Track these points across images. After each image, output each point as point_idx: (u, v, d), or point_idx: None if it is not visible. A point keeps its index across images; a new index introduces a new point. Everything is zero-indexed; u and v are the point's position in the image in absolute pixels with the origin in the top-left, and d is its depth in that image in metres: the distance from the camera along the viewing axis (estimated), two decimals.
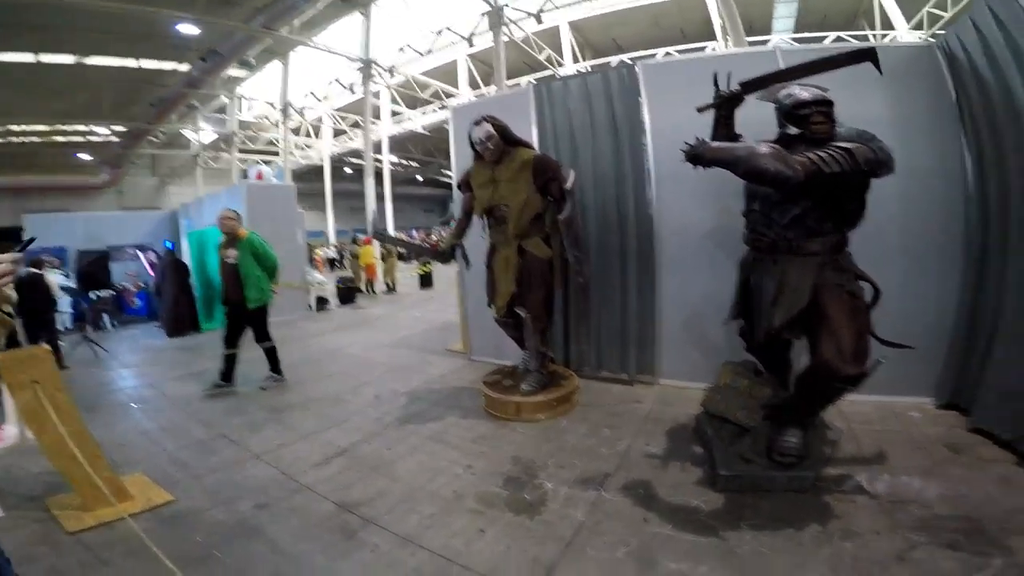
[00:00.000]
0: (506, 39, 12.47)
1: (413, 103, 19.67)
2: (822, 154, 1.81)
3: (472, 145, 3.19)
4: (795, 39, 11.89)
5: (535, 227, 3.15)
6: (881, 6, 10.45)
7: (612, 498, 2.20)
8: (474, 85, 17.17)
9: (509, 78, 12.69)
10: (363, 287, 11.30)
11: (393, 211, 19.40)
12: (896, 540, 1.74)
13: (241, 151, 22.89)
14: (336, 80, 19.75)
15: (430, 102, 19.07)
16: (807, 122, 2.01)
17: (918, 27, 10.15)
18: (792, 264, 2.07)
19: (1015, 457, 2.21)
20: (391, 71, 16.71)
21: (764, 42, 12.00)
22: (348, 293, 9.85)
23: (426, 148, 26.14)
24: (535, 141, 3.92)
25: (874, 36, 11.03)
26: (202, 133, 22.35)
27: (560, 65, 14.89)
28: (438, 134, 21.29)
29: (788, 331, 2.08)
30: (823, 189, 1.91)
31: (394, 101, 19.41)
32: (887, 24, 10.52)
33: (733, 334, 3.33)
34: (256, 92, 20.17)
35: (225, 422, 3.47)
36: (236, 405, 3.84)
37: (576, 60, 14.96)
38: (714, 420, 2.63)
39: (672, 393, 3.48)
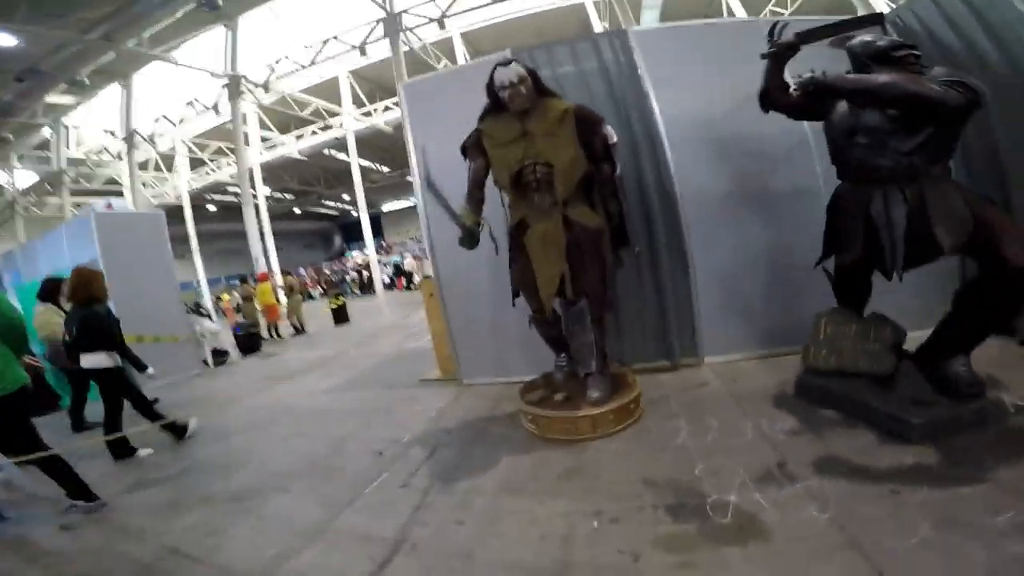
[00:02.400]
0: (405, 48, 11.75)
1: (285, 127, 17.36)
2: (945, 86, 1.78)
3: (494, 94, 2.58)
4: None
5: (580, 192, 2.62)
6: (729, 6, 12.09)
7: (819, 485, 1.71)
8: (359, 103, 15.94)
9: None
10: (267, 332, 9.55)
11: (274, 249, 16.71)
12: None
13: (74, 193, 17.72)
14: (195, 100, 16.20)
15: (310, 121, 16.95)
16: (903, 62, 1.97)
17: None
18: (928, 189, 1.93)
19: None
20: (265, 86, 14.50)
21: None
22: (250, 340, 8.12)
23: (303, 177, 22.96)
24: None
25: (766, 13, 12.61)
26: (17, 174, 16.86)
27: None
28: (316, 160, 19.09)
29: (955, 251, 1.90)
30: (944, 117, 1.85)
31: (262, 125, 16.89)
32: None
33: (769, 297, 3.28)
34: (90, 121, 16.01)
35: (166, 528, 2.28)
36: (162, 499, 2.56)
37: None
38: (831, 376, 2.36)
39: (726, 369, 3.17)
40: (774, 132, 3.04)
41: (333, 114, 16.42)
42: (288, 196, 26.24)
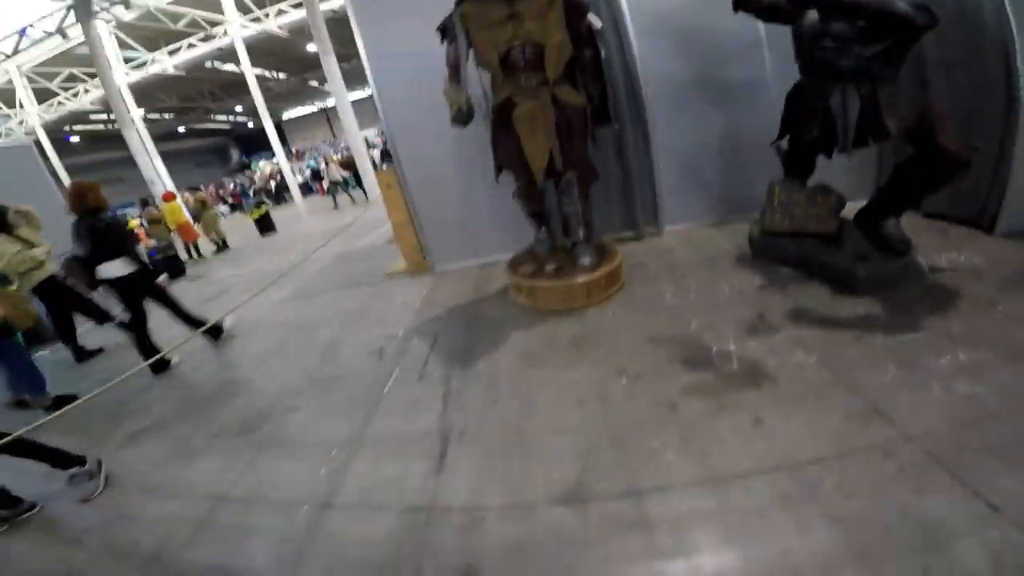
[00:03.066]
0: None
1: (153, 43, 14.16)
2: (922, 5, 1.95)
3: None
4: None
5: (564, 73, 2.62)
6: None
7: (798, 333, 2.10)
8: (244, 9, 13.14)
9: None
10: (187, 252, 8.70)
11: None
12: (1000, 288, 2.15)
13: None
14: (31, 26, 12.46)
15: (186, 34, 13.79)
16: None
17: None
18: (880, 88, 2.17)
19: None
20: (124, 2, 11.57)
21: None
22: (171, 264, 7.17)
23: (184, 93, 19.68)
24: None
25: None
26: None
27: None
28: (197, 74, 16.31)
29: (883, 137, 2.17)
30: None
31: (123, 45, 13.46)
32: None
33: (720, 171, 3.52)
34: None
35: (197, 479, 2.10)
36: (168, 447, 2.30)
37: None
38: (788, 237, 2.73)
39: (686, 236, 3.47)
40: (732, 28, 3.05)
41: (214, 23, 13.54)
42: (167, 116, 21.90)
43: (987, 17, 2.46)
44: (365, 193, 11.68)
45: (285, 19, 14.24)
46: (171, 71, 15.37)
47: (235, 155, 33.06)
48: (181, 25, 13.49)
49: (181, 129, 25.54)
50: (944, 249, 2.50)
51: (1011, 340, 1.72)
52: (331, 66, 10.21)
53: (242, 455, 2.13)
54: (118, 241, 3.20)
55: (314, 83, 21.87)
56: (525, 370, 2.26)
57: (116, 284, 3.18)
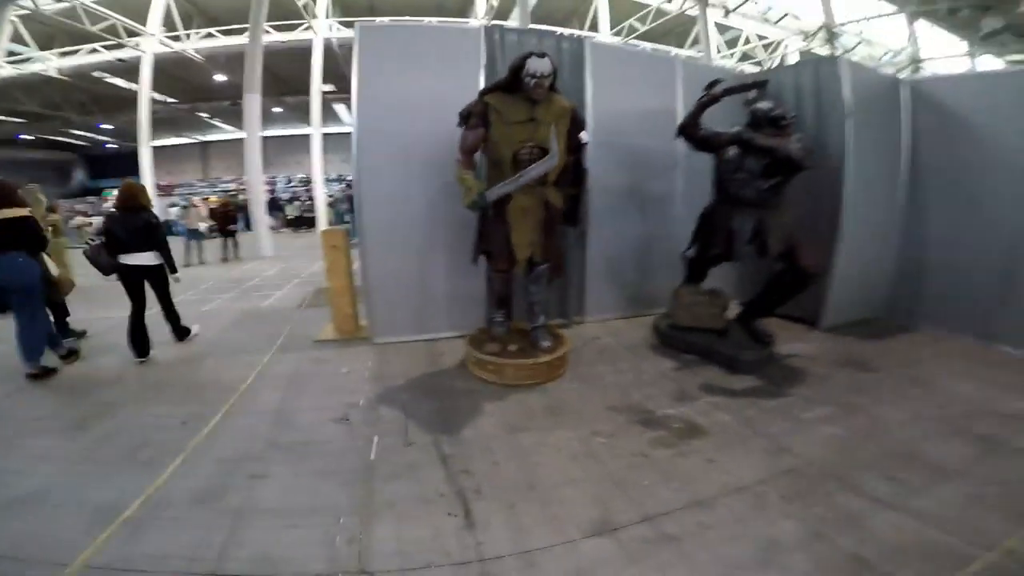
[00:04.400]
0: None
1: (47, 41, 12.41)
2: (802, 149, 2.98)
3: (517, 76, 2.81)
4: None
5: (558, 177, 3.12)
6: (595, 12, 13.51)
7: (713, 400, 2.86)
8: (171, 26, 12.33)
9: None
10: None
11: None
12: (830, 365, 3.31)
13: None
14: None
15: (95, 38, 12.16)
16: (782, 127, 3.11)
17: (618, 34, 13.83)
18: (769, 213, 3.22)
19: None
20: None
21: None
22: None
23: (50, 99, 16.50)
24: (480, 85, 3.59)
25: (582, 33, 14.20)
26: None
27: (314, 17, 12.62)
28: (81, 80, 14.34)
29: (765, 254, 3.22)
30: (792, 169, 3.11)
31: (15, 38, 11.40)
32: (593, 27, 13.65)
33: (633, 271, 4.49)
34: None
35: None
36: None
37: (327, 15, 13.17)
38: (689, 331, 3.66)
39: (605, 327, 4.27)
40: (658, 149, 4.22)
41: (133, 33, 12.35)
42: (16, 120, 17.90)
43: (833, 155, 3.73)
44: (236, 247, 10.33)
45: (208, 43, 13.48)
46: (52, 73, 13.32)
47: (78, 176, 27.56)
48: (98, 28, 11.84)
49: (27, 136, 20.91)
50: (790, 340, 3.66)
51: (845, 400, 2.74)
52: (253, 102, 9.61)
53: (217, 526, 1.93)
54: (156, 237, 3.82)
55: (204, 114, 20.05)
56: (513, 435, 2.56)
57: (137, 271, 3.79)
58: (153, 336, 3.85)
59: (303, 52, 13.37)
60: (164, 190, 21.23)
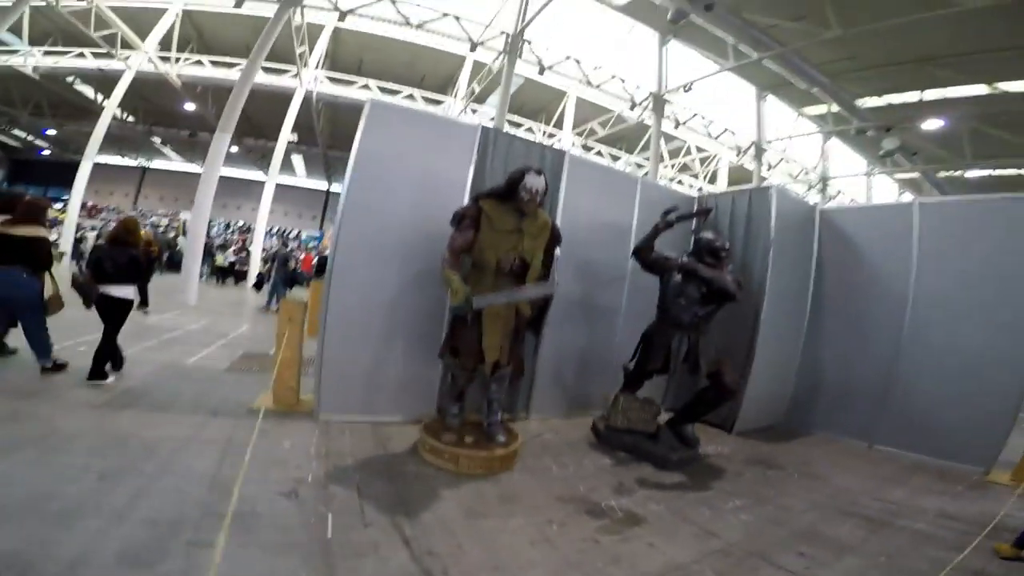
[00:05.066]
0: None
1: (42, 38, 12.80)
2: (734, 283, 3.77)
3: (514, 188, 3.22)
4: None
5: None
6: (563, 113, 15.14)
7: (647, 492, 3.21)
8: (166, 45, 12.86)
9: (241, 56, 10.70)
10: None
11: None
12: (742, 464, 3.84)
13: None
14: None
15: (95, 44, 12.34)
16: (720, 258, 3.92)
17: (580, 134, 15.61)
18: (702, 335, 3.91)
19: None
20: None
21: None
22: None
23: (7, 95, 16.27)
24: (469, 183, 4.14)
25: (544, 132, 16.18)
26: None
27: (305, 66, 13.22)
28: (49, 82, 14.11)
29: (696, 372, 3.86)
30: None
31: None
32: (558, 123, 15.31)
33: (576, 375, 4.93)
34: None
35: None
36: None
37: (318, 65, 13.98)
38: (624, 432, 4.07)
39: (546, 424, 4.57)
40: (609, 261, 4.85)
41: (127, 45, 12.64)
42: None
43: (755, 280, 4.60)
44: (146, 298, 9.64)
45: (192, 70, 13.46)
46: (28, 69, 12.85)
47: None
48: (100, 35, 11.68)
49: None
50: (709, 443, 4.21)
51: (756, 492, 3.25)
52: (222, 141, 9.32)
53: None
54: (139, 273, 4.20)
55: (157, 139, 18.94)
56: (472, 520, 2.67)
57: (113, 301, 4.07)
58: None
59: (280, 97, 13.76)
60: (89, 211, 19.36)
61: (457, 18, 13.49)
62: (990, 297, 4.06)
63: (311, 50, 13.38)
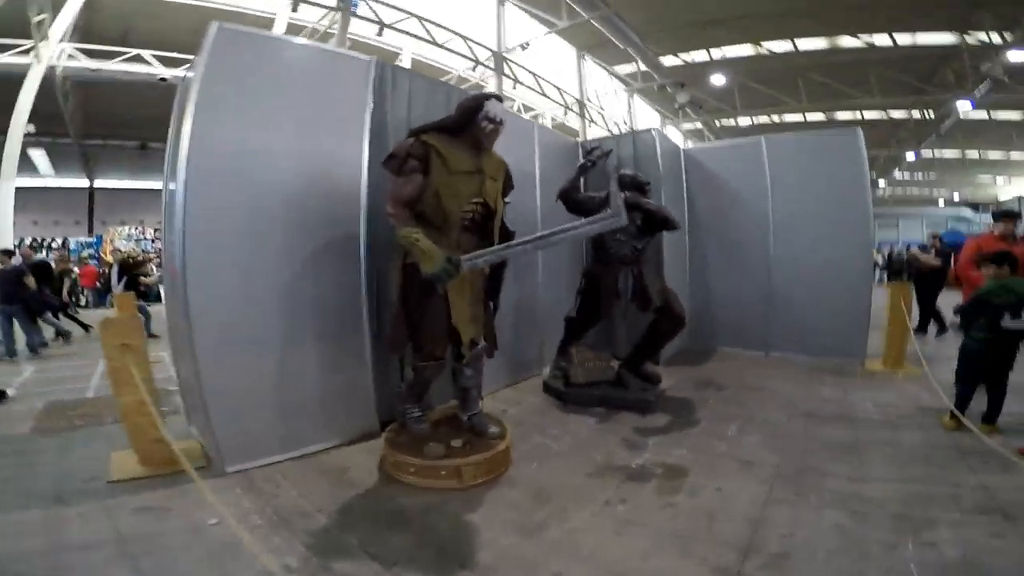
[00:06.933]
0: None
1: None
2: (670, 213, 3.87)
3: (468, 117, 2.62)
4: None
5: None
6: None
7: (660, 438, 3.15)
8: None
9: None
10: None
11: None
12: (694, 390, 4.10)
13: None
14: None
15: None
16: (645, 192, 3.89)
17: None
18: (645, 268, 3.88)
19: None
20: None
21: None
22: None
23: None
24: (366, 134, 3.23)
25: None
26: None
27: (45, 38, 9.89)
28: None
29: (647, 307, 3.85)
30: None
31: None
32: None
33: (514, 338, 4.54)
34: None
35: None
36: None
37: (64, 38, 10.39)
38: (587, 387, 3.92)
39: (498, 397, 4.08)
40: (522, 217, 4.40)
41: None
42: None
43: None
44: None
45: None
46: None
47: None
48: None
49: None
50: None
51: (733, 413, 3.66)
52: None
53: None
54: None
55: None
56: (534, 537, 2.14)
57: None
58: None
59: (5, 81, 10.05)
60: None
61: None
62: (831, 212, 5.05)
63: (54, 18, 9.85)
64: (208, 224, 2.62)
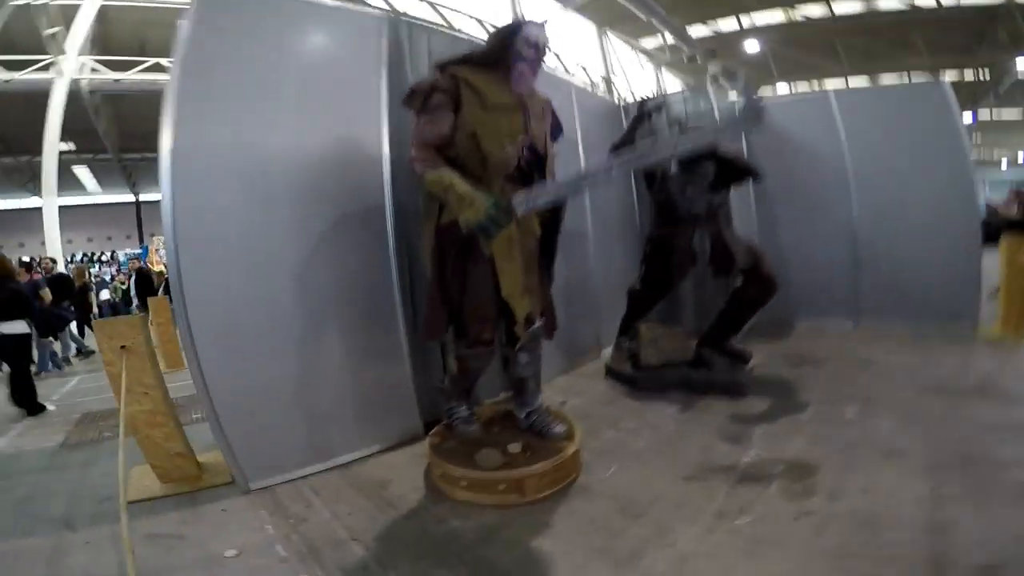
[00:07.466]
0: None
1: None
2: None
3: (503, 48, 2.13)
4: None
5: None
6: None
7: (765, 428, 2.56)
8: None
9: None
10: None
11: None
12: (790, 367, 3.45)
13: None
14: None
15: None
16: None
17: None
18: (725, 227, 3.24)
19: None
20: None
21: None
22: None
23: None
24: (384, 95, 2.75)
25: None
26: None
27: (61, 53, 10.07)
28: None
29: (728, 270, 3.21)
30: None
31: None
32: None
33: (568, 319, 3.94)
34: None
35: None
36: None
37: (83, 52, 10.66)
38: (662, 369, 3.34)
39: (553, 386, 3.54)
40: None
41: None
42: None
43: None
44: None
45: None
46: None
47: None
48: None
49: None
50: None
51: (845, 392, 3.00)
52: None
53: None
54: (24, 306, 4.26)
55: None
56: (632, 565, 1.63)
57: (7, 339, 4.10)
58: None
59: (34, 97, 10.21)
60: None
61: None
62: (924, 166, 4.19)
63: (69, 30, 10.11)
64: (203, 206, 2.23)
